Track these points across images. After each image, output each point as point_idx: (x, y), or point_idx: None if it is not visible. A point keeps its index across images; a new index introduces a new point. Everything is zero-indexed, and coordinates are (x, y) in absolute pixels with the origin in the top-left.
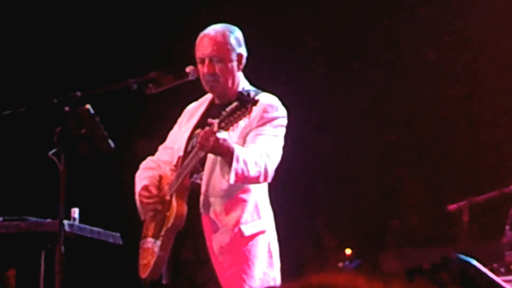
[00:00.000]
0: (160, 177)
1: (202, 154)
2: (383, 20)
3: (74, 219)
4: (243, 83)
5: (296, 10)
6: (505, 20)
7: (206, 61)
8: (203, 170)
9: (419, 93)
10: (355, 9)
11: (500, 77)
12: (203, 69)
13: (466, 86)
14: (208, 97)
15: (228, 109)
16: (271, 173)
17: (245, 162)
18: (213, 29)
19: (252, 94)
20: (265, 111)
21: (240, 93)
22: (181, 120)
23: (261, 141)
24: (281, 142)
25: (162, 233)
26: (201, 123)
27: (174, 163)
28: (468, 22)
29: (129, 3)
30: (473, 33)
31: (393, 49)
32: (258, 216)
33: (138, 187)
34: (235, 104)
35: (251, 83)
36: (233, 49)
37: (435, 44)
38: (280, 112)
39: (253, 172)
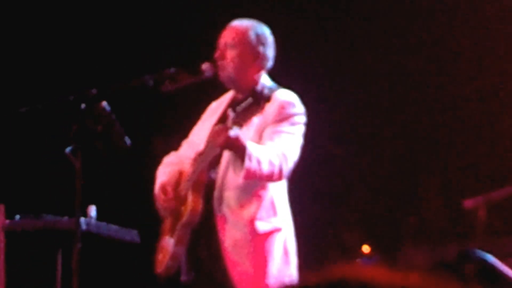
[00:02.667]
0: (180, 172)
1: (217, 150)
2: (403, 24)
3: (91, 216)
4: (265, 82)
5: (321, 13)
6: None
7: (221, 46)
8: (219, 165)
9: (433, 90)
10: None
11: None
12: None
13: (481, 81)
14: (231, 94)
15: (242, 105)
16: (286, 172)
17: (258, 160)
18: (239, 21)
19: (266, 90)
20: (282, 107)
21: (254, 89)
22: (205, 116)
23: (278, 139)
24: (298, 140)
25: (177, 228)
26: (222, 118)
27: (192, 158)
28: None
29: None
30: (483, 33)
31: (407, 51)
32: (274, 213)
33: (157, 182)
34: (248, 100)
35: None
36: (251, 43)
37: (448, 46)
38: (297, 109)
39: (266, 171)
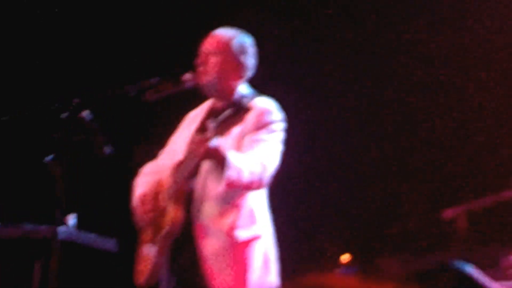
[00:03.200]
0: (159, 182)
1: (196, 160)
2: (384, 31)
3: (71, 225)
4: (243, 90)
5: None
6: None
7: (204, 53)
8: (198, 175)
9: (414, 100)
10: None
11: (495, 80)
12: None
13: (463, 90)
14: (209, 102)
15: (222, 115)
16: (266, 180)
17: (238, 169)
18: (222, 30)
19: (245, 100)
20: (260, 115)
21: (235, 99)
22: (183, 125)
23: (257, 147)
24: (278, 147)
25: (158, 238)
26: (201, 128)
27: (171, 168)
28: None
29: (132, 9)
30: (464, 42)
31: (394, 56)
32: (253, 221)
33: (136, 192)
34: (229, 110)
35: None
36: (233, 52)
37: (430, 54)
38: (276, 116)
39: (246, 180)
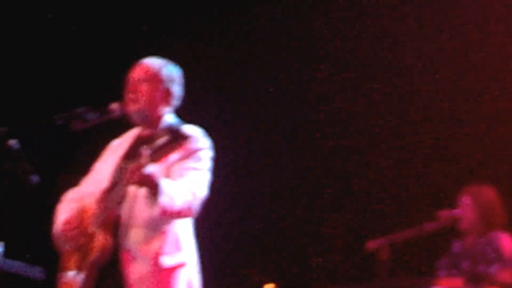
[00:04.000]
0: (83, 209)
1: (129, 186)
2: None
3: None
4: (170, 119)
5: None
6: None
7: (133, 81)
8: (125, 201)
9: (336, 137)
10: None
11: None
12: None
13: (376, 132)
14: (135, 131)
15: (158, 142)
16: (196, 209)
17: (171, 197)
18: (152, 58)
19: (182, 129)
20: (188, 143)
21: (170, 127)
22: (106, 153)
23: (187, 175)
24: (206, 175)
25: (86, 265)
26: (128, 155)
27: (98, 194)
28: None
29: (60, 39)
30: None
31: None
32: (179, 249)
33: (59, 219)
34: (166, 138)
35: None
36: (162, 81)
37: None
38: (203, 144)
39: (178, 207)
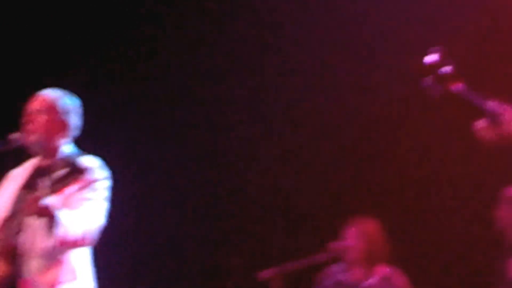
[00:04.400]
0: None
1: (27, 216)
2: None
3: None
4: (68, 149)
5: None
6: None
7: (30, 112)
8: (23, 231)
9: (232, 170)
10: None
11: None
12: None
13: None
14: (34, 161)
15: (57, 174)
16: (93, 237)
17: (67, 228)
18: (49, 90)
19: (79, 161)
20: (85, 175)
21: (68, 158)
22: (5, 182)
23: (83, 206)
24: (103, 204)
25: None
26: (27, 185)
27: None
28: None
29: None
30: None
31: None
32: (75, 277)
33: None
34: (64, 171)
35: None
36: (59, 112)
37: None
38: (100, 174)
39: (75, 237)
